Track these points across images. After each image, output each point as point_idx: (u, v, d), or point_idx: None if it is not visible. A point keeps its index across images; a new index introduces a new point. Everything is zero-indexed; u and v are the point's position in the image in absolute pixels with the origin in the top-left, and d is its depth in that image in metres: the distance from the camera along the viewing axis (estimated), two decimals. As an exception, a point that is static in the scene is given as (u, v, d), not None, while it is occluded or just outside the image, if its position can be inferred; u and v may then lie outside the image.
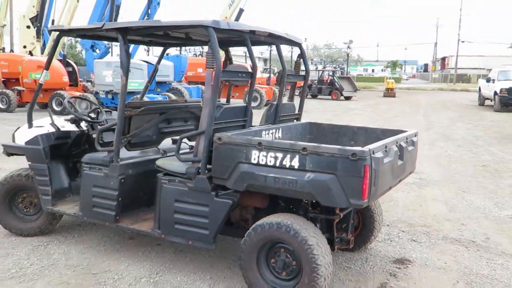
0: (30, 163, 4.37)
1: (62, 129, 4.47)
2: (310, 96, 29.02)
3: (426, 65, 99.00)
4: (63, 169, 4.52)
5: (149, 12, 17.29)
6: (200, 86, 19.80)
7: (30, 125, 4.44)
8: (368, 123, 14.85)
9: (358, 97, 29.12)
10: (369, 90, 41.81)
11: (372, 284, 3.70)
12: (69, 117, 4.68)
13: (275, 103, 4.34)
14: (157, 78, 17.14)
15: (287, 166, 3.10)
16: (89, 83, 20.65)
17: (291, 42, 4.42)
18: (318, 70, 31.67)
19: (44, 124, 4.48)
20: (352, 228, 3.93)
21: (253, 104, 20.29)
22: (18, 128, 4.65)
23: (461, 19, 57.37)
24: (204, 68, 20.64)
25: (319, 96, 29.26)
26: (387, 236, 4.74)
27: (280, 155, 3.13)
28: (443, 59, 79.31)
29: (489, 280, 3.80)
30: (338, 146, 3.00)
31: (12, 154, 4.72)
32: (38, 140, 4.30)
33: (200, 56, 26.66)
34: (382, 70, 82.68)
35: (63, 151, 4.54)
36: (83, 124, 4.65)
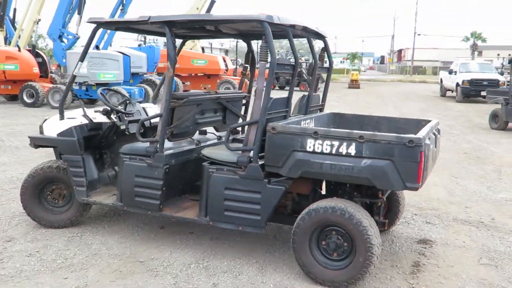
0: (63, 154, 4.37)
1: (94, 120, 4.50)
2: (278, 88, 29.26)
3: (382, 57, 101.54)
4: (92, 160, 4.55)
5: (124, 3, 16.92)
6: (174, 77, 19.64)
7: (62, 117, 4.44)
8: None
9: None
10: (332, 81, 42.52)
11: (406, 262, 3.98)
12: (100, 108, 4.70)
13: (307, 94, 4.54)
14: (131, 70, 16.94)
15: (344, 153, 3.32)
16: (55, 74, 20.10)
17: (319, 36, 4.61)
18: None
19: (76, 115, 4.49)
20: (383, 211, 4.19)
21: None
22: (46, 119, 4.63)
23: (417, 12, 59.14)
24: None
25: (286, 88, 29.53)
26: (403, 220, 5.05)
27: (336, 143, 3.34)
28: (400, 51, 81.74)
29: (507, 256, 4.17)
30: (395, 134, 3.24)
31: (40, 146, 4.70)
32: (72, 131, 4.32)
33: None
34: (341, 62, 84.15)
35: (93, 142, 4.57)
36: (112, 116, 4.68)
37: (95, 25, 4.19)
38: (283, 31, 3.94)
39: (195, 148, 4.37)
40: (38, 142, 4.61)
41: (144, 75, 18.72)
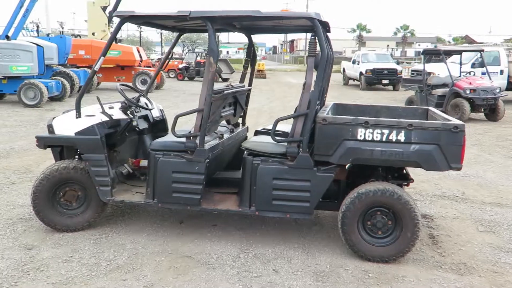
0: (84, 154, 4.17)
1: (113, 117, 4.34)
2: (187, 79, 29.04)
3: (274, 47, 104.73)
4: (107, 157, 4.40)
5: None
6: (86, 69, 18.60)
7: (79, 114, 4.23)
8: (269, 104, 15.83)
9: (234, 78, 30.05)
10: (236, 71, 43.12)
11: (423, 235, 4.48)
12: (114, 104, 4.53)
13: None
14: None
15: (394, 140, 3.67)
16: None
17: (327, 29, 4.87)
18: (196, 52, 31.78)
19: (94, 112, 4.30)
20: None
21: (143, 87, 19.86)
22: (54, 118, 4.36)
23: (308, 4, 61.94)
24: (87, 51, 19.40)
25: (196, 79, 29.42)
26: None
27: (386, 131, 3.68)
28: (292, 42, 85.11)
29: (496, 223, 4.87)
30: (441, 121, 3.67)
31: (50, 147, 4.42)
32: (95, 129, 4.14)
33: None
34: (236, 52, 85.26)
35: (109, 140, 4.42)
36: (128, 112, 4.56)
37: (120, 19, 4.05)
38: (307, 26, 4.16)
39: (221, 141, 4.45)
40: (50, 142, 4.34)
41: (56, 67, 17.50)
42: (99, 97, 4.45)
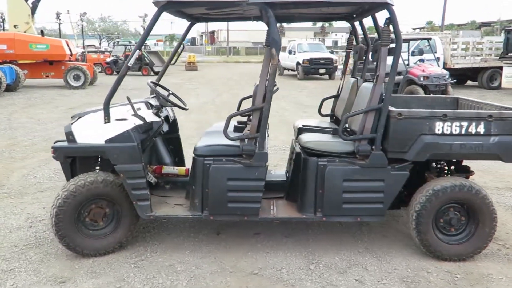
0: (118, 164, 3.55)
1: (146, 120, 3.75)
2: (116, 73, 27.47)
3: (193, 39, 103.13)
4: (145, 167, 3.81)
5: None
6: (12, 66, 16.83)
7: (108, 119, 3.59)
8: (218, 97, 15.36)
9: (167, 71, 28.94)
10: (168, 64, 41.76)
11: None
12: (141, 104, 3.93)
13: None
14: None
15: (473, 132, 3.49)
16: None
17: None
18: (124, 45, 30.16)
19: (126, 116, 3.68)
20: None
21: (77, 83, 18.46)
22: (73, 123, 3.68)
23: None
24: (10, 45, 17.62)
25: (127, 73, 27.90)
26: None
27: (465, 123, 3.48)
28: (212, 33, 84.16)
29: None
30: None
31: (71, 157, 3.74)
32: (131, 136, 3.54)
33: None
34: (155, 44, 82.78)
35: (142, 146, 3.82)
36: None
37: (159, 7, 3.46)
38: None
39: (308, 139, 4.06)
40: (73, 153, 3.66)
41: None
42: (129, 98, 3.82)
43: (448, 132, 3.48)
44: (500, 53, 17.06)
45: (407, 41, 14.44)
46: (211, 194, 3.58)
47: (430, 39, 13.97)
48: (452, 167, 4.06)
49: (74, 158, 3.91)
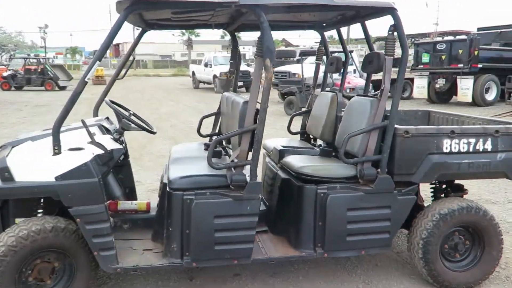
0: (73, 207, 2.78)
1: (106, 147, 3.01)
2: (15, 88, 25.00)
3: (95, 52, 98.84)
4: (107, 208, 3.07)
5: None
6: None
7: (59, 149, 2.80)
8: (139, 113, 14.41)
9: (69, 86, 26.79)
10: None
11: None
12: (95, 127, 3.17)
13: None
14: None
15: (481, 150, 3.21)
16: None
17: None
18: (23, 57, 27.52)
19: (82, 144, 2.91)
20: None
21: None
22: (8, 155, 2.84)
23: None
24: None
25: (26, 88, 25.46)
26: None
27: (472, 140, 3.20)
28: (116, 45, 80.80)
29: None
30: None
31: (5, 200, 2.89)
32: (90, 169, 2.79)
33: None
34: (54, 57, 77.82)
35: None
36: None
37: (125, 8, 2.77)
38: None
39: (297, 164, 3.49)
40: (11, 195, 2.81)
41: None
42: (84, 121, 3.04)
43: (456, 150, 3.18)
44: (411, 65, 17.96)
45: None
46: (193, 236, 2.93)
47: (352, 51, 14.23)
48: (444, 186, 3.78)
49: (5, 201, 3.05)
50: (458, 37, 21.24)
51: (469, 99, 16.00)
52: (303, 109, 4.67)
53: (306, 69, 16.51)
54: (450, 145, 3.17)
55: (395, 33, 3.03)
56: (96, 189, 2.79)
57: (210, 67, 24.11)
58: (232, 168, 2.99)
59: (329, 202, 3.09)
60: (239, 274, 3.58)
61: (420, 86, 17.32)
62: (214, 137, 4.27)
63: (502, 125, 3.33)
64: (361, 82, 13.05)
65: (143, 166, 7.07)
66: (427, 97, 17.12)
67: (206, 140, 4.40)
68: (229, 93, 3.96)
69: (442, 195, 3.67)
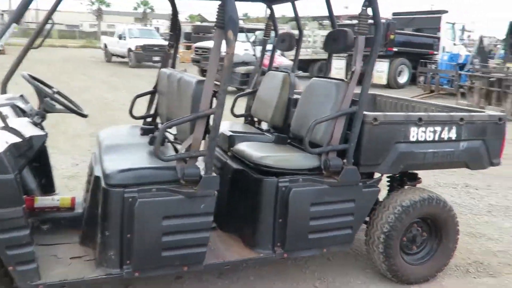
0: (-19, 211, 2.18)
1: (24, 134, 2.40)
2: None
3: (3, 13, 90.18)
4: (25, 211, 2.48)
5: None
6: None
7: (-42, 136, 2.17)
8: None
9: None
10: None
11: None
12: (8, 107, 2.53)
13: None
14: None
15: (446, 138, 3.05)
16: None
17: None
18: None
19: (-9, 130, 2.28)
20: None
21: None
22: None
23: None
24: None
25: None
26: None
27: (438, 128, 3.02)
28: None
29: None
30: (489, 112, 3.21)
31: None
32: (3, 163, 2.19)
33: None
34: None
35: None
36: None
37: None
38: None
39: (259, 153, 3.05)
40: None
41: None
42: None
43: (423, 138, 2.99)
44: (330, 46, 18.17)
45: (252, 30, 14.27)
46: (137, 241, 2.45)
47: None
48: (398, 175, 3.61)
49: None
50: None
51: (384, 82, 16.58)
52: (248, 90, 4.27)
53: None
54: (417, 134, 2.97)
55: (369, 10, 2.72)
56: (11, 188, 2.20)
57: (124, 39, 22.66)
58: (183, 160, 2.54)
59: (292, 196, 2.75)
60: (181, 276, 3.16)
61: (338, 67, 17.63)
62: (148, 120, 3.75)
63: (466, 112, 3.19)
64: (286, 61, 12.89)
65: (56, 148, 6.26)
66: (344, 76, 17.52)
67: (137, 122, 3.82)
68: (169, 69, 3.44)
69: (397, 185, 3.49)
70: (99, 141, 3.23)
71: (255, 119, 4.14)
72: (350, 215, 2.92)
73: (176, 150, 2.90)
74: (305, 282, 3.18)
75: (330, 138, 2.85)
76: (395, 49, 16.48)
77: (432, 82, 14.80)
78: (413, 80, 17.25)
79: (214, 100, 2.52)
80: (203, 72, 14.78)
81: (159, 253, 2.50)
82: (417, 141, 2.97)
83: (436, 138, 3.02)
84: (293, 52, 3.95)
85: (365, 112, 2.85)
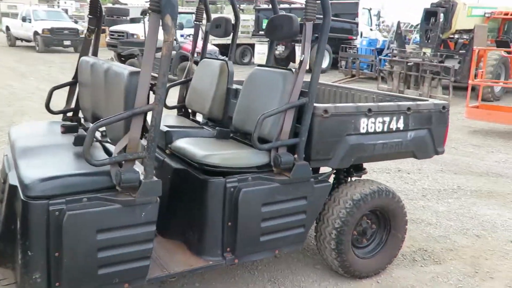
0: None
1: None
2: None
3: None
4: None
5: None
6: None
7: None
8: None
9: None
10: None
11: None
12: None
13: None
14: None
15: (394, 129, 2.97)
16: None
17: None
18: None
19: None
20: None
21: None
22: None
23: None
24: None
25: None
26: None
27: (387, 118, 2.93)
28: None
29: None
30: (434, 101, 3.16)
31: None
32: None
33: None
34: None
35: None
36: None
37: None
38: None
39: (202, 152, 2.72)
40: None
41: None
42: None
43: (372, 130, 2.87)
44: (252, 31, 18.00)
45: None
46: (67, 260, 2.10)
47: (193, 13, 13.55)
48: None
49: None
50: (293, 5, 21.92)
51: (307, 67, 16.74)
52: (180, 80, 3.94)
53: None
54: (367, 125, 2.85)
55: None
56: None
57: (30, 22, 20.92)
58: (119, 164, 2.20)
59: (242, 197, 2.51)
60: (163, 283, 2.84)
61: (261, 52, 17.50)
62: (69, 114, 3.31)
63: (412, 101, 3.13)
64: (209, 46, 12.50)
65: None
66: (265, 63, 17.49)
67: (55, 118, 3.34)
68: (92, 57, 3.03)
69: (344, 177, 3.37)
70: (11, 140, 2.77)
71: (190, 111, 3.83)
72: (303, 213, 2.75)
73: (106, 151, 2.54)
74: (256, 285, 2.98)
75: (280, 133, 2.64)
76: (315, 35, 16.67)
77: (353, 67, 15.15)
78: (334, 65, 17.58)
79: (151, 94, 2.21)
80: (120, 57, 13.93)
81: (95, 272, 2.17)
82: (367, 133, 2.86)
83: (385, 129, 2.93)
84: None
85: (316, 104, 2.67)
